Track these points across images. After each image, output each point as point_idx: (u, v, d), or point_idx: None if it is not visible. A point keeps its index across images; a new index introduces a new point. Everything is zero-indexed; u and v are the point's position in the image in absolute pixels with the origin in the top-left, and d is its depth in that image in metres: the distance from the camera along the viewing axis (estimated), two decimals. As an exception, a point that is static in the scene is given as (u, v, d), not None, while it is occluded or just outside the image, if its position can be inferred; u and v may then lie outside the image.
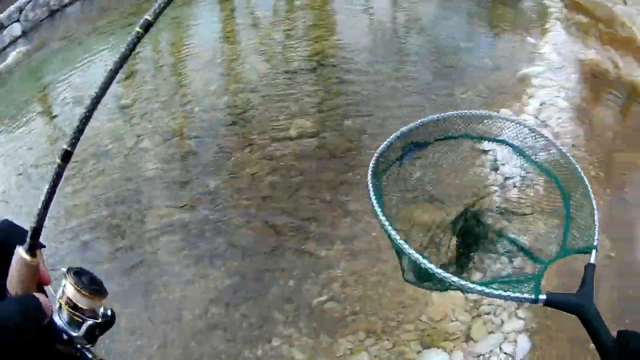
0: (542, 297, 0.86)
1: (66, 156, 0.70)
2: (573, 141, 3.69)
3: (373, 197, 1.08)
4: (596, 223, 1.01)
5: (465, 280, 0.90)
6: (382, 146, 1.23)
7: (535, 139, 1.27)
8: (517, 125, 1.30)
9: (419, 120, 1.28)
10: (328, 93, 4.72)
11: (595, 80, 4.46)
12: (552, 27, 5.25)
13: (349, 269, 3.09)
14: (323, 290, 3.00)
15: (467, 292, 0.96)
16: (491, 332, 2.66)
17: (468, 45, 5.24)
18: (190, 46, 6.10)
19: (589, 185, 1.09)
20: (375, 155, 1.21)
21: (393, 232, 0.98)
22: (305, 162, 3.96)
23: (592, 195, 1.07)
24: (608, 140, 3.81)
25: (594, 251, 0.95)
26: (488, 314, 2.72)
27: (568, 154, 1.19)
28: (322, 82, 4.92)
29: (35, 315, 0.67)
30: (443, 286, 1.00)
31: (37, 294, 0.70)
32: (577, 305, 0.84)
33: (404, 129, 1.26)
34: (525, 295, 0.87)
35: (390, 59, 5.18)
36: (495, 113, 1.33)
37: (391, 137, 1.24)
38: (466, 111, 1.32)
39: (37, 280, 0.73)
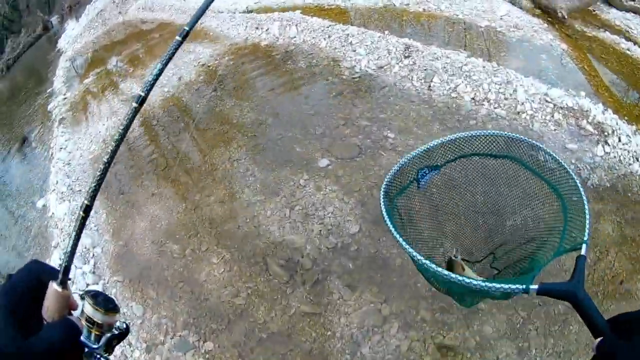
0: (534, 286, 0.91)
1: (87, 209, 0.85)
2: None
3: (385, 215, 1.21)
4: (587, 220, 1.09)
5: (456, 275, 0.99)
6: (392, 171, 1.34)
7: (537, 151, 1.34)
8: (519, 141, 1.36)
9: (426, 146, 1.37)
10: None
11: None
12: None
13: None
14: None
15: (460, 287, 1.02)
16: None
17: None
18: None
19: (580, 186, 1.18)
20: (386, 180, 1.34)
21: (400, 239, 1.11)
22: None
23: (585, 197, 1.15)
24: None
25: (584, 245, 1.03)
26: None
27: (562, 162, 1.26)
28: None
29: (73, 333, 0.80)
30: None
31: (70, 317, 0.82)
32: (568, 292, 0.89)
33: (411, 154, 1.37)
34: (517, 286, 0.92)
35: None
36: (500, 132, 1.40)
37: (400, 162, 1.36)
38: (470, 132, 1.38)
39: (69, 307, 0.84)
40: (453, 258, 1.49)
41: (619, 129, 3.81)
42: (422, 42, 4.89)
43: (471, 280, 0.98)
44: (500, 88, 4.18)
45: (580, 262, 0.97)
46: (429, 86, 4.32)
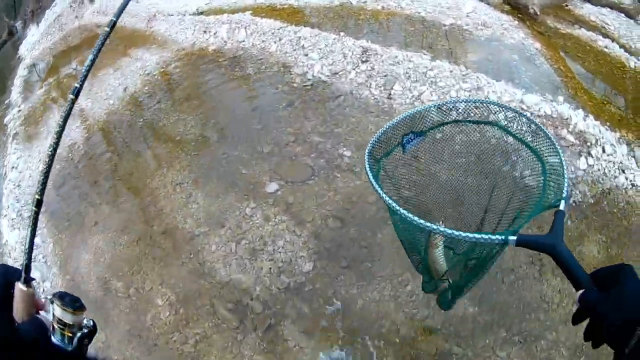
0: (512, 238, 0.93)
1: (39, 203, 0.92)
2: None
3: (370, 173, 1.25)
4: (565, 179, 1.13)
5: (437, 226, 1.02)
6: (376, 135, 1.38)
7: (517, 118, 1.40)
8: (502, 108, 1.44)
9: (409, 112, 1.43)
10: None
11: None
12: None
13: None
14: None
15: (451, 238, 1.01)
16: None
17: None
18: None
19: (559, 148, 1.22)
20: (370, 142, 1.36)
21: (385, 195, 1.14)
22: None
23: (562, 155, 1.19)
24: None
25: (562, 201, 1.06)
26: None
27: (543, 127, 1.33)
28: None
29: (43, 332, 0.84)
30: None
31: (39, 316, 0.87)
32: (546, 244, 0.92)
33: (393, 121, 1.41)
34: (497, 236, 0.95)
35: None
36: (483, 99, 1.48)
37: (384, 127, 1.40)
38: (450, 100, 1.48)
39: (35, 306, 0.87)
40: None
41: (602, 137, 3.36)
42: (381, 43, 4.37)
43: (452, 231, 0.99)
44: (470, 95, 3.70)
45: (558, 216, 1.00)
46: (389, 94, 3.82)
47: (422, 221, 1.04)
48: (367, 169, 1.28)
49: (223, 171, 3.85)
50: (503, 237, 0.94)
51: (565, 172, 1.16)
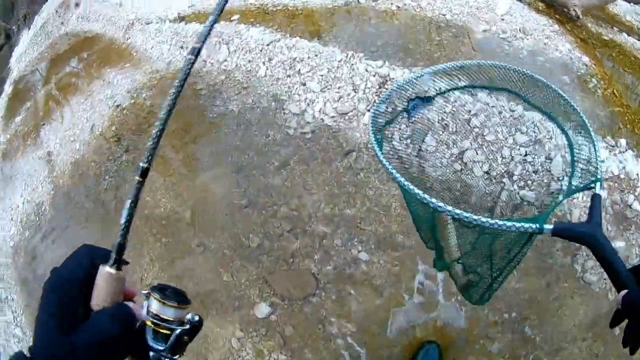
0: (549, 226, 0.83)
1: (144, 173, 0.76)
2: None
3: (375, 144, 1.16)
4: (598, 156, 1.04)
5: (469, 214, 0.87)
6: (379, 102, 1.31)
7: (536, 83, 1.27)
8: (514, 72, 1.32)
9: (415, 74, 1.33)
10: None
11: None
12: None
13: None
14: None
15: (471, 226, 0.92)
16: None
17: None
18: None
19: (587, 121, 1.11)
20: (372, 110, 1.31)
21: (393, 171, 1.06)
22: None
23: (591, 130, 1.09)
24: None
25: (598, 183, 0.98)
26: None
27: (564, 94, 1.22)
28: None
29: (127, 320, 0.67)
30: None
31: (126, 302, 0.71)
32: (585, 233, 0.82)
33: (398, 83, 1.33)
34: (530, 225, 0.84)
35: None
36: (493, 62, 1.33)
37: (386, 92, 1.34)
38: (461, 62, 1.38)
39: (124, 294, 0.72)
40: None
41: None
42: (403, 64, 3.05)
43: (478, 217, 0.86)
44: (529, 157, 2.46)
45: (595, 201, 0.89)
46: (419, 150, 2.59)
47: (426, 196, 0.93)
48: (372, 134, 1.16)
49: (199, 277, 2.78)
50: (537, 225, 0.82)
51: (597, 149, 1.04)
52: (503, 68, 1.32)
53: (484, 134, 2.60)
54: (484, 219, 0.85)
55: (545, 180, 2.47)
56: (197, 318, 0.77)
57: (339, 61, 3.19)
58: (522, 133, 2.54)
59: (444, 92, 1.37)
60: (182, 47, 4.56)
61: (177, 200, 3.26)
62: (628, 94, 3.00)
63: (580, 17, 3.30)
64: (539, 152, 2.55)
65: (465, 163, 2.54)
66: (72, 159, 4.43)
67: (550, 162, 2.46)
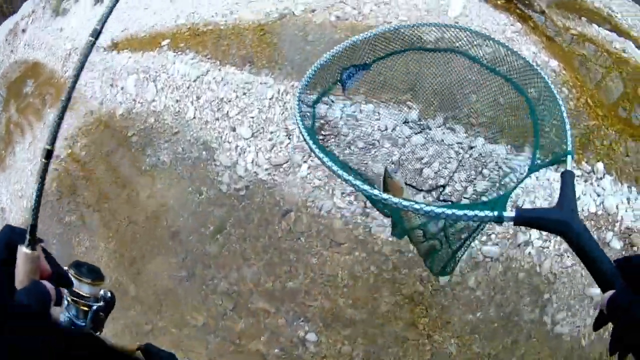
0: (510, 214, 0.68)
1: (49, 154, 0.81)
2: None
3: (302, 130, 1.04)
4: (567, 126, 0.88)
5: (421, 204, 0.75)
6: (307, 75, 1.20)
7: (492, 46, 1.13)
8: (469, 32, 1.18)
9: (345, 43, 1.20)
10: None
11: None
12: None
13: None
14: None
15: (424, 215, 0.78)
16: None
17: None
18: None
19: (554, 89, 0.97)
20: (301, 84, 1.18)
21: (330, 163, 0.93)
22: None
23: (559, 98, 0.94)
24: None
25: (569, 157, 0.82)
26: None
27: (530, 60, 1.07)
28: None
29: (42, 298, 0.69)
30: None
31: (42, 281, 0.73)
32: (559, 221, 0.66)
33: (331, 52, 1.21)
34: (487, 213, 0.70)
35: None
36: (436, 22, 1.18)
37: (312, 68, 1.19)
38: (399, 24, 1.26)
39: (40, 273, 0.74)
40: (389, 178, 1.22)
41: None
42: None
43: (429, 207, 0.72)
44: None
45: (567, 179, 0.75)
46: (365, 207, 2.27)
47: (366, 187, 0.82)
48: (298, 120, 1.05)
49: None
50: (495, 213, 0.67)
51: (566, 117, 0.89)
52: (444, 26, 1.21)
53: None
54: (429, 208, 0.72)
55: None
56: (109, 294, 0.80)
57: (270, 99, 2.82)
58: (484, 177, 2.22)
59: (382, 58, 1.24)
60: (111, 85, 4.17)
61: (118, 265, 2.96)
62: (601, 94, 2.67)
63: (546, 11, 2.92)
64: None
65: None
66: (22, 218, 4.17)
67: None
